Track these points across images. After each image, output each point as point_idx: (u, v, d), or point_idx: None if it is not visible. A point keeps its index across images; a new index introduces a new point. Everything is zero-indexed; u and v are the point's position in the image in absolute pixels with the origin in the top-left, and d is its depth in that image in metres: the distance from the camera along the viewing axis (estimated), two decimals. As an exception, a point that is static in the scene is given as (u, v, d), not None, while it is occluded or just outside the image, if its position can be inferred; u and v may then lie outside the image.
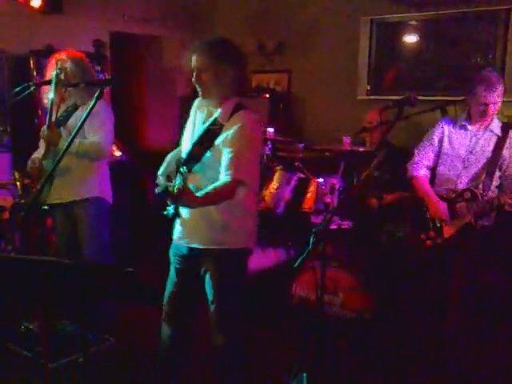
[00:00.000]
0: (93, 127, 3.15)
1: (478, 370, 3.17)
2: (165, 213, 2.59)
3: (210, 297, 2.54)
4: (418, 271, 3.33)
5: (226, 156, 2.33)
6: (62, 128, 3.20)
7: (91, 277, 1.88)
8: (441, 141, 3.33)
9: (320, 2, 5.46)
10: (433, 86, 4.98)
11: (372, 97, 5.27)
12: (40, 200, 3.20)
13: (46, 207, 3.36)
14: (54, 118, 3.15)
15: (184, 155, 2.50)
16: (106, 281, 1.89)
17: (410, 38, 5.21)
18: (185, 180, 2.13)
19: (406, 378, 3.15)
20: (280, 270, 4.02)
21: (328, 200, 3.93)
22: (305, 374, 2.58)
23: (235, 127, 2.34)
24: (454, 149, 3.29)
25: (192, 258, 2.53)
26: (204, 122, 2.48)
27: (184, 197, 2.10)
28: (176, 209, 2.43)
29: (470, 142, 3.25)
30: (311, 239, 2.26)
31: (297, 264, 2.28)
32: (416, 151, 3.43)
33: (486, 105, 3.09)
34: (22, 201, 3.55)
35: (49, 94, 3.14)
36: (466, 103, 3.25)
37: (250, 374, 2.71)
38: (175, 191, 2.07)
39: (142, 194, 6.24)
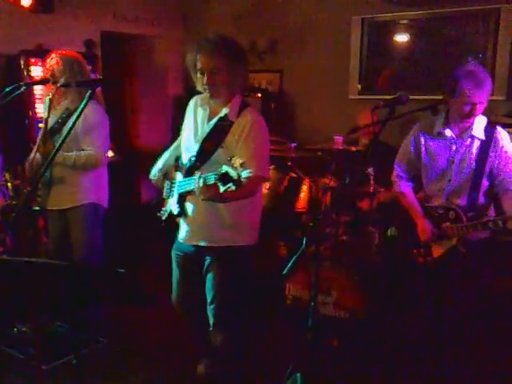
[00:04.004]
0: (88, 137, 3.15)
1: (470, 369, 3.18)
2: (160, 213, 2.62)
3: (209, 295, 2.55)
4: (412, 277, 3.25)
5: (244, 153, 2.32)
6: (57, 135, 3.17)
7: (83, 278, 1.87)
8: (417, 151, 3.01)
9: (312, 0, 5.47)
10: (424, 86, 5.00)
11: (363, 96, 5.28)
12: (39, 205, 3.22)
13: (37, 208, 3.35)
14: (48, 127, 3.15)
15: (192, 153, 2.49)
16: (98, 282, 1.89)
17: (402, 38, 5.22)
18: (208, 177, 2.11)
19: (399, 377, 3.16)
20: (273, 271, 4.02)
21: (320, 200, 3.94)
22: (299, 375, 2.58)
23: (248, 125, 2.38)
24: (434, 160, 2.96)
25: (197, 256, 2.55)
26: (209, 120, 2.49)
27: (210, 191, 2.11)
28: (182, 208, 2.48)
29: (450, 150, 2.90)
30: (304, 239, 2.26)
31: (290, 264, 2.28)
32: (395, 165, 3.15)
33: (474, 104, 2.74)
34: (14, 202, 3.54)
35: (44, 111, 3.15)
36: (444, 104, 2.93)
37: (245, 374, 2.71)
38: (200, 185, 2.10)
39: (135, 194, 6.23)
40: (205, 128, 2.48)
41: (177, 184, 2.55)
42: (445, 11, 4.83)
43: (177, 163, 2.63)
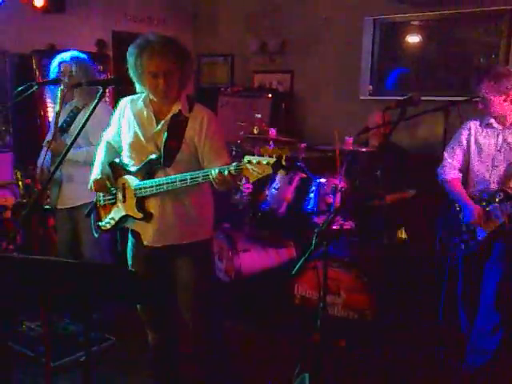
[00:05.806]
0: (98, 132, 3.14)
1: (479, 371, 3.16)
2: (103, 224, 2.59)
3: (187, 294, 2.55)
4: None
5: (213, 147, 2.40)
6: (65, 134, 3.20)
7: (93, 276, 1.88)
8: (468, 141, 3.22)
9: (323, 1, 5.45)
10: (436, 87, 4.97)
11: (374, 97, 5.26)
12: (49, 204, 3.24)
13: (48, 207, 3.37)
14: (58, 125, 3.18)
15: (151, 154, 2.42)
16: (108, 280, 1.89)
17: (413, 39, 5.19)
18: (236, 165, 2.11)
19: (407, 379, 3.14)
20: (282, 270, 4.02)
21: (330, 200, 3.92)
22: (307, 375, 2.58)
23: (205, 120, 2.41)
24: (482, 148, 3.17)
25: (166, 256, 2.53)
26: (158, 120, 2.44)
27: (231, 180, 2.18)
28: (144, 211, 2.43)
29: (497, 140, 3.12)
30: (313, 239, 2.26)
31: (299, 264, 2.28)
32: (445, 154, 3.30)
33: (488, 100, 2.99)
34: (24, 200, 3.56)
35: (54, 107, 3.18)
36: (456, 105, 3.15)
37: (252, 374, 2.71)
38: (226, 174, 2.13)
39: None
40: (157, 127, 2.43)
41: (135, 187, 2.44)
42: (457, 12, 4.79)
43: (117, 167, 2.54)
